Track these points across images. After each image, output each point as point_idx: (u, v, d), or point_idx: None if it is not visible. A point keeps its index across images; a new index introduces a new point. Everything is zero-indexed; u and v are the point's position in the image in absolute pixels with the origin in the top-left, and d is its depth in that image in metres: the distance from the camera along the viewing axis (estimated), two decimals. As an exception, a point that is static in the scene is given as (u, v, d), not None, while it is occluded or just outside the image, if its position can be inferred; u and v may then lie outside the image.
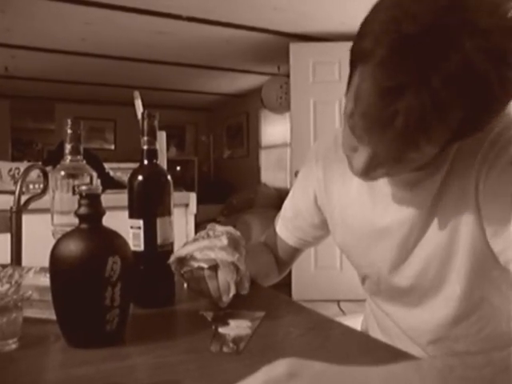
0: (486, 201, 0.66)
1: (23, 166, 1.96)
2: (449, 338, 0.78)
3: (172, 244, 0.82)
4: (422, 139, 0.56)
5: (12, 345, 0.60)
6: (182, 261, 0.77)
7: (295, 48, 3.76)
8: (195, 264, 0.76)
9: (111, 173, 2.13)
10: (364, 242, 0.83)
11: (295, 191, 1.01)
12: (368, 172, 0.64)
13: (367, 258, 0.84)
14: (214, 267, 0.75)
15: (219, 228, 0.81)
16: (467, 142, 0.65)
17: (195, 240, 0.78)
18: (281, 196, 5.13)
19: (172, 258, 0.77)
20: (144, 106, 1.39)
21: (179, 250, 0.77)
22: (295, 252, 1.02)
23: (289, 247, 1.01)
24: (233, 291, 0.73)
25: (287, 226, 1.00)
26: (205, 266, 0.76)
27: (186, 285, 0.84)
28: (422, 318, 0.80)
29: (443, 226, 0.72)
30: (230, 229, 0.81)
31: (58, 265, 0.61)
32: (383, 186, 0.78)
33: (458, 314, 0.76)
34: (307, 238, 0.99)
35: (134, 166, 0.83)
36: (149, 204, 0.80)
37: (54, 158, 1.62)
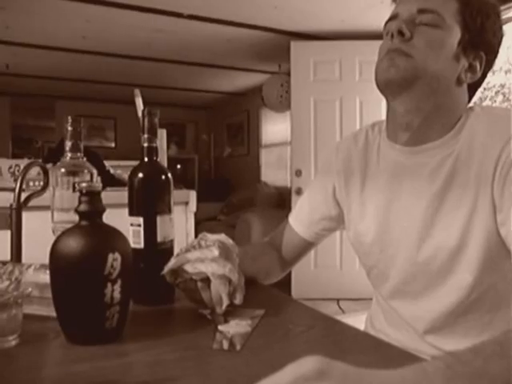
0: (499, 190, 0.70)
1: (23, 163, 1.96)
2: (454, 323, 0.81)
3: (172, 242, 0.82)
4: None
5: (12, 341, 0.61)
6: (176, 272, 0.77)
7: (296, 46, 3.75)
8: (187, 276, 0.76)
9: (111, 170, 2.13)
10: (383, 224, 0.86)
11: (313, 186, 1.04)
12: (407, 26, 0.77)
13: (383, 240, 0.86)
14: (207, 278, 0.75)
15: (210, 237, 0.80)
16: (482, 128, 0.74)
17: (187, 250, 0.77)
18: (281, 195, 5.12)
19: (165, 270, 0.76)
20: (144, 103, 1.39)
21: (172, 262, 0.76)
22: (307, 246, 1.04)
23: (303, 241, 1.02)
24: (226, 303, 0.73)
25: (302, 220, 1.02)
26: (197, 278, 0.75)
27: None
28: (426, 307, 0.82)
29: (456, 211, 0.76)
30: (221, 237, 0.80)
31: (58, 262, 0.61)
32: (401, 169, 0.84)
33: (465, 301, 0.78)
34: (321, 231, 1.01)
35: (135, 163, 0.83)
36: (149, 201, 0.80)
37: (54, 155, 1.62)
